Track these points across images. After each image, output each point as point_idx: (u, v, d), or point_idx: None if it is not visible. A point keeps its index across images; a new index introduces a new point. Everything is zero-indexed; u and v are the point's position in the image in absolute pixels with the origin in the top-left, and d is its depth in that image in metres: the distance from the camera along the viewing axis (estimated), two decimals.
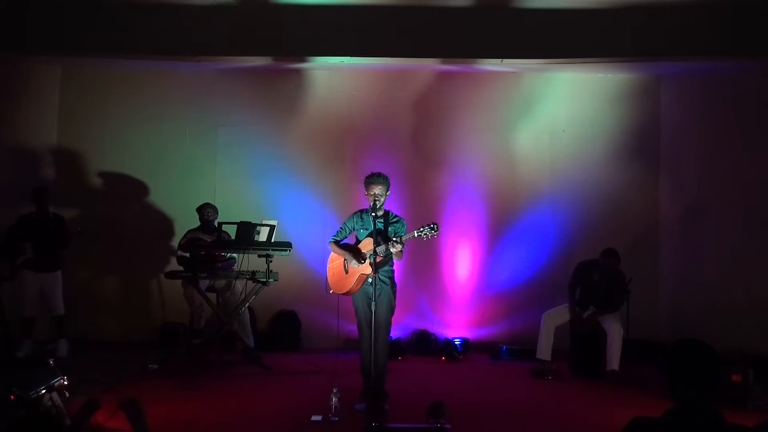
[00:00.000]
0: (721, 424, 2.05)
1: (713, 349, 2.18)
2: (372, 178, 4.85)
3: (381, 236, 4.74)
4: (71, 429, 3.15)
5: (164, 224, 7.18)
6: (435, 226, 4.67)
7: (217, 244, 6.24)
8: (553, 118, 7.22)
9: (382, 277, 4.76)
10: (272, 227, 6.01)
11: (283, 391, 5.37)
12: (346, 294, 4.97)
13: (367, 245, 4.80)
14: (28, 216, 6.36)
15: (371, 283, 4.69)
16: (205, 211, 6.50)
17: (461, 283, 7.16)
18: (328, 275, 5.10)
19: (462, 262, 7.17)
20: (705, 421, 2.05)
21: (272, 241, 6.00)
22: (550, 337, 6.01)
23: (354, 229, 5.04)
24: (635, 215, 7.09)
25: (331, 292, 5.09)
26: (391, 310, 4.93)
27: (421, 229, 4.68)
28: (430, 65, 7.01)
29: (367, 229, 4.92)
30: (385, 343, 4.93)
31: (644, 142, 7.18)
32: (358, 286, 4.87)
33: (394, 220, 4.96)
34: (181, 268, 6.25)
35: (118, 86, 7.22)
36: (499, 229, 7.16)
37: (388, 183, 4.89)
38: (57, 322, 6.47)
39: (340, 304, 5.21)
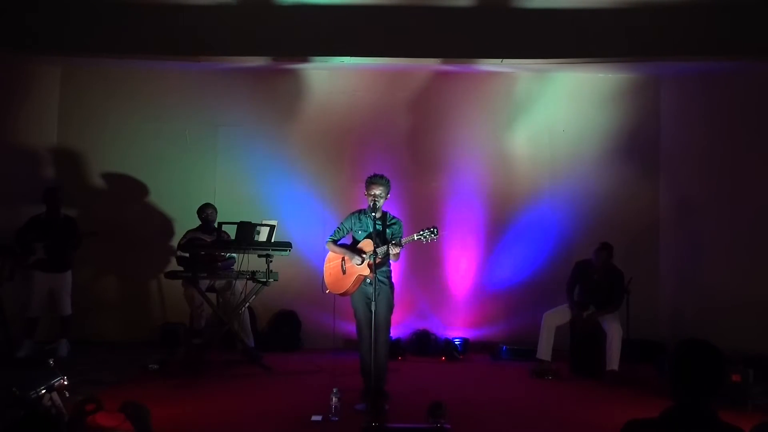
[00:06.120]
0: (716, 423, 2.05)
1: (720, 351, 2.11)
2: (373, 179, 4.84)
3: (380, 238, 4.74)
4: (69, 429, 3.15)
5: (164, 224, 7.18)
6: (435, 229, 4.63)
7: (217, 244, 6.24)
8: (552, 118, 7.23)
9: (380, 278, 4.75)
10: (272, 227, 6.01)
11: (283, 391, 5.36)
12: (343, 294, 4.96)
13: (366, 246, 4.79)
14: (38, 216, 6.39)
15: (370, 284, 4.69)
16: (206, 211, 6.51)
17: (461, 283, 7.16)
18: (324, 275, 5.09)
19: (462, 262, 7.17)
20: (700, 421, 2.04)
21: (272, 241, 6.01)
22: (550, 337, 6.01)
23: (351, 229, 5.03)
24: (635, 215, 7.09)
25: (327, 292, 5.08)
26: (391, 310, 4.92)
27: (422, 233, 4.64)
28: (430, 65, 7.01)
29: (365, 230, 4.90)
30: (386, 343, 4.92)
31: (644, 142, 7.19)
32: (356, 287, 4.87)
33: (392, 221, 4.95)
34: (181, 268, 6.25)
35: (118, 86, 7.22)
36: (499, 229, 7.16)
37: (389, 185, 4.88)
38: (62, 322, 6.49)
39: (337, 304, 5.20)
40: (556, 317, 6.08)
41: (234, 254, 6.30)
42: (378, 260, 4.67)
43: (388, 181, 4.88)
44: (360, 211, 5.04)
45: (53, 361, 4.05)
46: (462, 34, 6.29)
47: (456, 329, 7.05)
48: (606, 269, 6.03)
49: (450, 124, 7.22)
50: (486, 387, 5.68)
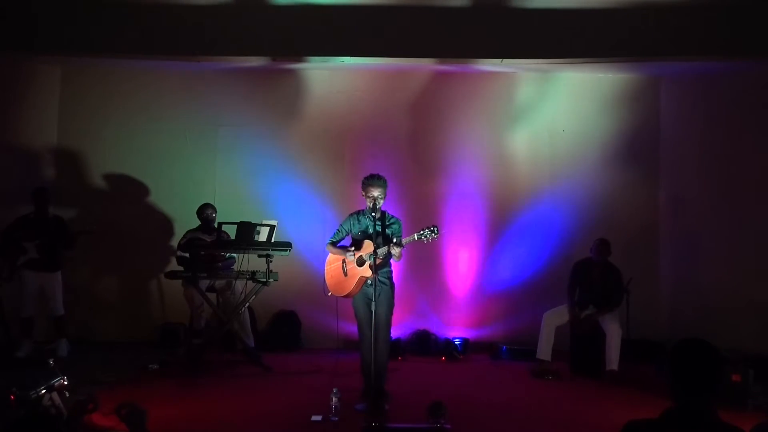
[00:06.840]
0: (716, 423, 2.04)
1: (717, 350, 2.11)
2: (371, 180, 4.81)
3: (380, 238, 4.72)
4: (67, 428, 3.14)
5: (164, 224, 7.18)
6: (435, 228, 4.60)
7: (217, 244, 6.24)
8: (553, 118, 7.23)
9: (381, 278, 4.74)
10: (272, 227, 6.01)
11: (283, 391, 5.36)
12: (346, 296, 4.93)
13: (366, 247, 4.78)
14: (27, 216, 6.36)
15: (371, 284, 4.68)
16: (206, 211, 6.52)
17: (461, 283, 7.16)
18: (326, 277, 5.06)
19: (462, 262, 7.17)
20: (700, 421, 2.04)
21: (272, 241, 6.01)
22: (550, 337, 6.01)
23: (351, 231, 5.01)
24: (635, 215, 7.09)
25: (329, 294, 5.05)
26: (391, 310, 4.91)
27: (422, 232, 4.62)
28: (429, 65, 7.01)
29: (365, 231, 4.89)
30: (386, 343, 4.92)
31: (644, 142, 7.19)
32: (358, 289, 4.85)
33: (391, 221, 4.93)
34: (181, 268, 6.25)
35: (118, 86, 7.23)
36: (499, 229, 7.16)
37: (387, 185, 4.86)
38: (57, 322, 6.47)
39: (339, 305, 5.20)
40: (556, 317, 6.08)
41: (234, 254, 6.30)
42: (378, 261, 4.66)
43: (386, 180, 4.86)
44: (359, 212, 5.01)
45: (53, 361, 4.04)
46: (462, 34, 6.28)
47: (456, 329, 7.05)
48: (604, 267, 6.03)
49: (450, 124, 7.21)
50: (486, 387, 5.68)
